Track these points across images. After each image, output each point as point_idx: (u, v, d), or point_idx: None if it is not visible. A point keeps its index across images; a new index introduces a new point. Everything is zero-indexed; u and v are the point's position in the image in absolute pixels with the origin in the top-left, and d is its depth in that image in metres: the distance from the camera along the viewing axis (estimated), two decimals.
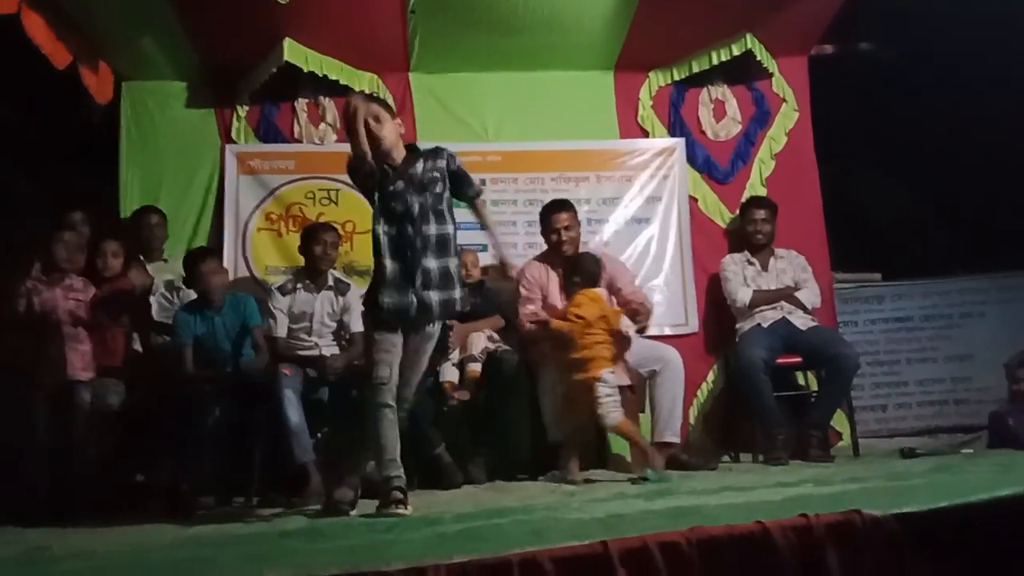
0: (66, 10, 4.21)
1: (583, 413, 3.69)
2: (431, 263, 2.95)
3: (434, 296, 2.95)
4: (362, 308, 3.20)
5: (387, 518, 2.72)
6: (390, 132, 3.01)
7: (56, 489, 3.44)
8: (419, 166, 3.02)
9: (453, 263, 3.01)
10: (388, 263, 2.94)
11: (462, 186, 3.12)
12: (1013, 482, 2.28)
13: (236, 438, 3.58)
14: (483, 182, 3.62)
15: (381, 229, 2.96)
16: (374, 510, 2.84)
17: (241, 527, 2.87)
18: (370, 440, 2.93)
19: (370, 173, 2.95)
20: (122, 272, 4.17)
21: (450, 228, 3.02)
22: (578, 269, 3.94)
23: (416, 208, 2.95)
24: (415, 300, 2.92)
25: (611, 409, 3.63)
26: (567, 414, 3.80)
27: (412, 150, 3.10)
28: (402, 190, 2.96)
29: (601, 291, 3.95)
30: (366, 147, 2.91)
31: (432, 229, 2.97)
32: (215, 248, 4.21)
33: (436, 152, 3.09)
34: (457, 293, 3.01)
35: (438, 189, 3.01)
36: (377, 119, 2.98)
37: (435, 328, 3.04)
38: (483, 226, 3.30)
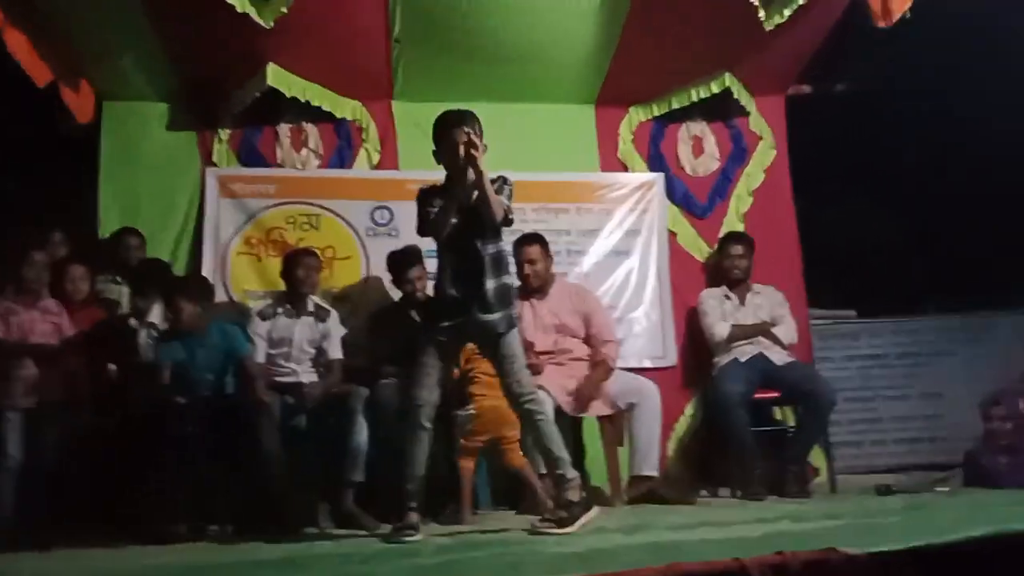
0: (48, 29, 4.19)
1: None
2: (489, 284, 3.00)
3: (494, 317, 3.00)
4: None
5: (397, 542, 2.78)
6: (483, 162, 3.03)
7: (25, 513, 3.36)
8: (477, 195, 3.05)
9: (509, 281, 3.08)
10: (447, 286, 3.03)
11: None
12: (987, 521, 2.30)
13: (211, 465, 3.52)
14: None
15: (441, 254, 3.07)
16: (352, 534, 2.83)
17: (215, 555, 2.83)
18: (403, 456, 3.00)
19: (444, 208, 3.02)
20: (90, 296, 4.13)
21: (503, 247, 3.10)
22: None
23: (472, 235, 3.02)
24: (475, 321, 2.99)
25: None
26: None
27: None
28: (458, 222, 3.03)
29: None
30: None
31: (489, 249, 3.03)
32: (196, 279, 4.15)
33: (496, 180, 3.09)
34: (515, 310, 3.08)
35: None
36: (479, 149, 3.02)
37: (507, 339, 3.04)
38: None
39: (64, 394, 3.79)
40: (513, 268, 3.14)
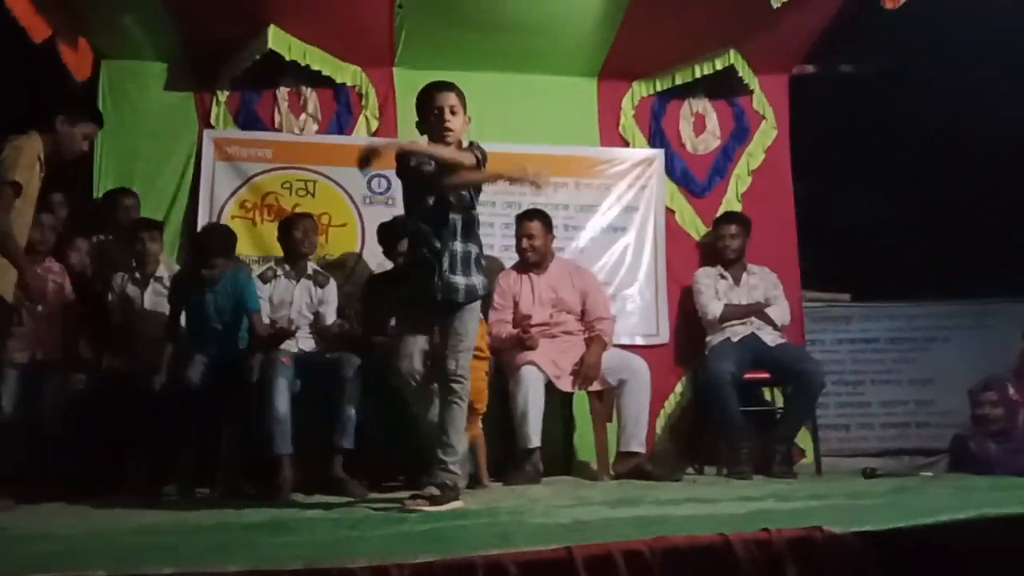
0: None
1: None
2: (456, 247, 2.97)
3: (459, 280, 2.96)
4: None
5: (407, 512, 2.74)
6: (459, 127, 3.02)
7: (18, 468, 3.38)
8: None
9: (476, 248, 3.04)
10: (419, 246, 2.99)
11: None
12: (972, 505, 2.32)
13: (209, 424, 3.53)
14: None
15: (417, 221, 3.01)
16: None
17: (205, 516, 2.84)
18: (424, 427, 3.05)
19: (425, 174, 2.96)
20: (66, 244, 4.13)
21: (474, 215, 3.05)
22: None
23: (446, 200, 2.97)
24: (440, 282, 2.93)
25: None
26: None
27: (459, 146, 3.08)
28: (433, 185, 2.97)
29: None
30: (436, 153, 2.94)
31: (457, 216, 2.98)
32: (224, 230, 4.13)
33: (469, 146, 3.06)
34: (479, 280, 3.02)
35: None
36: (452, 111, 3.00)
37: (462, 313, 3.00)
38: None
39: (62, 351, 3.80)
40: (479, 242, 3.07)
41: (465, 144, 3.06)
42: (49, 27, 4.22)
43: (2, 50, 4.26)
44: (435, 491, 2.83)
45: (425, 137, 3.06)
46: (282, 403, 3.48)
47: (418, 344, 3.00)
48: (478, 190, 3.08)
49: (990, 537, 2.16)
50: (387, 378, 3.07)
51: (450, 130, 3.00)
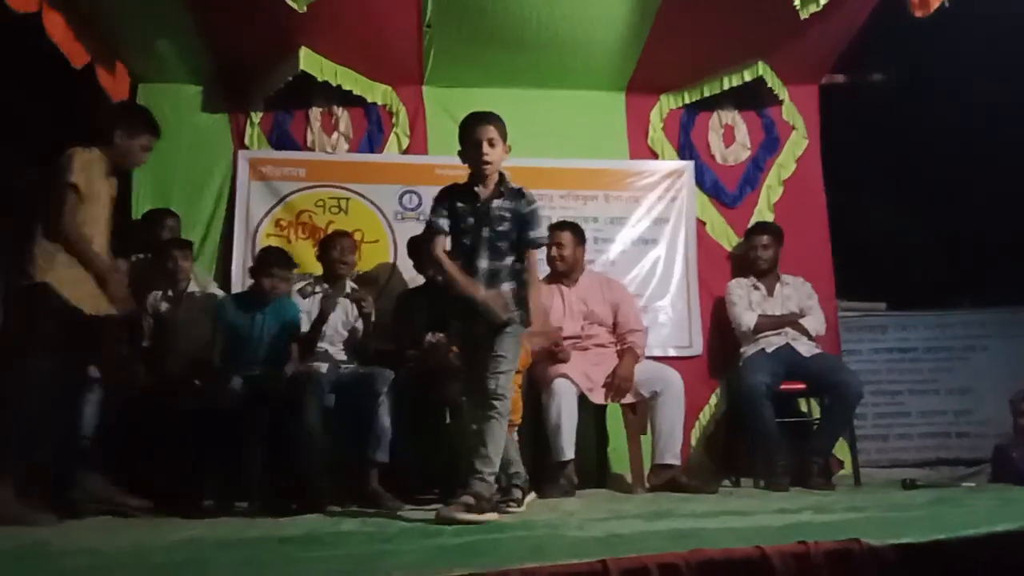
0: (85, 11, 4.26)
1: None
2: (484, 263, 3.08)
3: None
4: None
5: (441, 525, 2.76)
6: (497, 159, 3.11)
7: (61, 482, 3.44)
8: (495, 203, 3.10)
9: (506, 288, 3.09)
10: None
11: (524, 229, 3.14)
12: (1013, 517, 2.29)
13: (249, 440, 3.57)
14: None
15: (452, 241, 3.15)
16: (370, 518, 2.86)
17: (241, 531, 2.87)
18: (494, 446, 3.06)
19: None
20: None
21: (507, 262, 3.11)
22: None
23: (481, 242, 3.08)
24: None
25: None
26: None
27: (501, 181, 3.15)
28: (472, 226, 3.10)
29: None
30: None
31: (484, 263, 3.07)
32: (290, 257, 4.13)
33: (518, 193, 3.15)
34: (515, 315, 3.08)
35: (502, 227, 3.10)
36: (491, 143, 3.09)
37: (502, 337, 3.05)
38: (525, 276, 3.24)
39: (104, 366, 3.86)
40: (513, 282, 3.13)
41: (512, 183, 3.16)
42: (88, 53, 4.33)
43: (43, 75, 4.39)
44: (471, 500, 2.85)
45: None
46: (313, 417, 3.49)
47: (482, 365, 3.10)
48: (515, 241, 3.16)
49: None
50: (420, 391, 3.10)
51: (488, 163, 3.09)
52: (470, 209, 3.11)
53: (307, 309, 4.09)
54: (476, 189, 3.12)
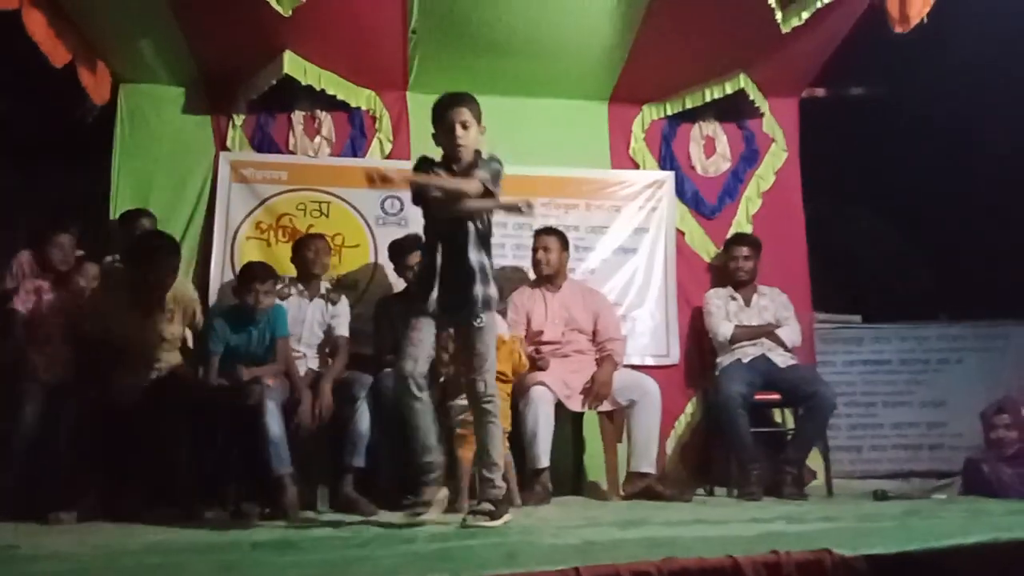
0: (67, 9, 4.22)
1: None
2: (473, 257, 3.03)
3: (477, 290, 3.02)
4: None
5: (407, 527, 2.79)
6: (471, 141, 3.08)
7: (36, 488, 3.41)
8: (475, 174, 3.06)
9: (488, 261, 3.09)
10: (438, 260, 3.04)
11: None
12: (983, 529, 2.32)
13: (212, 448, 3.55)
14: None
15: (432, 235, 3.10)
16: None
17: (213, 535, 2.86)
18: (407, 430, 3.04)
19: (433, 200, 3.05)
20: (75, 267, 4.14)
21: (487, 226, 3.10)
22: None
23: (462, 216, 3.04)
24: (456, 295, 3.01)
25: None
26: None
27: (477, 156, 3.13)
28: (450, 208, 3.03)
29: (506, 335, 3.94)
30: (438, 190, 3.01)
31: (471, 229, 3.04)
32: (271, 269, 4.08)
33: (488, 160, 3.11)
34: (493, 290, 3.08)
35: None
36: (465, 125, 3.06)
37: (481, 332, 3.05)
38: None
39: (82, 373, 3.83)
40: (491, 253, 3.14)
41: (485, 156, 3.11)
42: (69, 52, 4.29)
43: (24, 75, 4.35)
44: (491, 507, 2.93)
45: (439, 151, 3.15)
46: (274, 424, 3.46)
47: (424, 349, 3.03)
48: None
49: (1002, 561, 2.16)
50: (398, 397, 3.10)
51: (461, 145, 3.06)
52: None
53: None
54: (453, 167, 3.08)
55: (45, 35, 4.08)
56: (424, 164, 3.14)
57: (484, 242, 3.08)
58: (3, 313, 3.82)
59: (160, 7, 4.27)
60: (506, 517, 2.96)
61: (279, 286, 4.07)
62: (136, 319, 3.84)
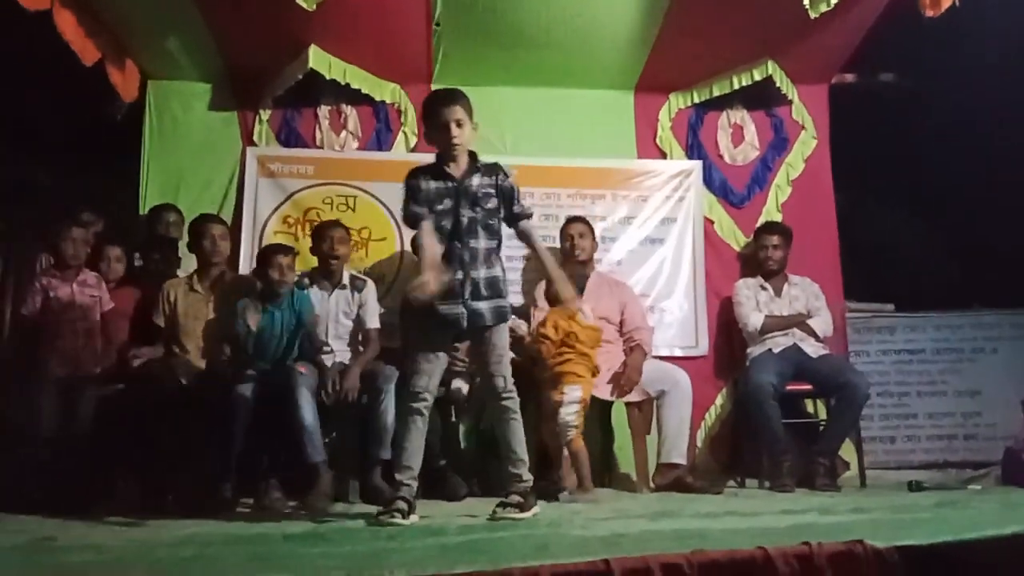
0: (96, 9, 4.27)
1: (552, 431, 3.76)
2: (479, 273, 3.00)
3: (484, 305, 2.99)
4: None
5: (388, 526, 2.75)
6: (466, 139, 3.05)
7: (59, 480, 3.46)
8: (474, 180, 3.04)
9: (500, 272, 3.06)
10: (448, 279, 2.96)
11: (511, 203, 3.10)
12: (1019, 520, 2.27)
13: (247, 436, 3.57)
14: None
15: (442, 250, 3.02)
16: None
17: (245, 527, 2.88)
18: (396, 440, 3.05)
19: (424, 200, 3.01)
20: (124, 278, 4.26)
21: (495, 243, 3.07)
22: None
23: (465, 222, 3.00)
24: (465, 311, 2.97)
25: (567, 429, 3.69)
26: (547, 432, 3.83)
27: (473, 159, 3.10)
28: (451, 207, 3.00)
29: (580, 307, 3.91)
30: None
31: (481, 243, 3.02)
32: (290, 246, 4.10)
33: (493, 167, 3.10)
34: (506, 301, 3.07)
35: (490, 204, 3.05)
36: (459, 124, 3.02)
37: (495, 332, 3.03)
38: (532, 249, 3.27)
39: (101, 365, 3.89)
40: (502, 263, 3.12)
41: (484, 160, 3.12)
42: (98, 50, 4.34)
43: (54, 74, 4.41)
44: (519, 499, 2.93)
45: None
46: (307, 412, 3.47)
47: (439, 364, 3.03)
48: (504, 219, 3.12)
49: None
50: (401, 410, 3.12)
51: (458, 144, 3.03)
52: (445, 190, 3.01)
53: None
54: (448, 169, 3.04)
55: (75, 34, 4.14)
56: (417, 177, 3.03)
57: (490, 256, 3.05)
58: (14, 317, 3.90)
59: (187, 5, 4.31)
60: (535, 509, 2.96)
61: (299, 278, 4.08)
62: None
